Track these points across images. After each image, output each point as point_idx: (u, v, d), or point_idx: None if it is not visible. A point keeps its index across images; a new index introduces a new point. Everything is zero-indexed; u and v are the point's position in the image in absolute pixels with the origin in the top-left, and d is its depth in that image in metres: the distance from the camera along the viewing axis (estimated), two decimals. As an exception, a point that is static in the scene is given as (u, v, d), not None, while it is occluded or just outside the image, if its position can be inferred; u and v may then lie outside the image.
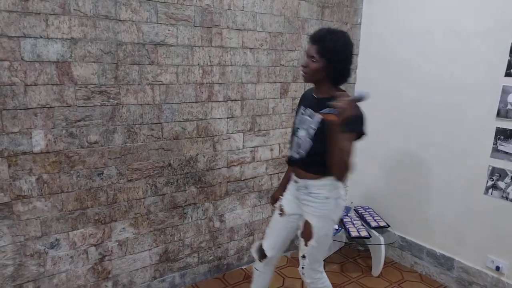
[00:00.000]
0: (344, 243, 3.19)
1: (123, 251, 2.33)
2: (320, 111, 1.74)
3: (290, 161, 1.96)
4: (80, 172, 2.10)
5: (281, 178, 2.29)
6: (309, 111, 1.83)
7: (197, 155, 2.50)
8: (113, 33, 2.07)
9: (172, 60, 2.28)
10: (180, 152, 2.42)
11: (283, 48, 2.75)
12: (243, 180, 2.76)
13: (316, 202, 1.82)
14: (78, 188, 2.11)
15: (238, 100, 2.62)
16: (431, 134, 2.75)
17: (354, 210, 3.20)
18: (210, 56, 2.44)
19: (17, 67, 1.84)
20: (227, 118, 2.59)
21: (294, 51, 2.81)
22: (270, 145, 2.85)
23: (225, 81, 2.53)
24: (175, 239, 2.52)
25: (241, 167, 2.73)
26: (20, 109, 1.88)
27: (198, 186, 2.54)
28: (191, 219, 2.56)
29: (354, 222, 2.94)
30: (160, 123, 2.31)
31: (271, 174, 2.91)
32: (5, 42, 1.80)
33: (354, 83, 3.22)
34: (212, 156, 2.57)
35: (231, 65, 2.54)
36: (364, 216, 3.05)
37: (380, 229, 2.91)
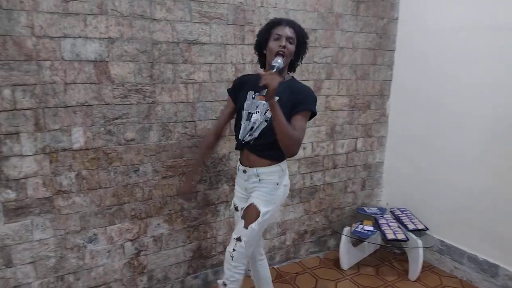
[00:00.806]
0: (379, 246, 3.10)
1: (158, 246, 2.37)
2: (255, 94, 1.78)
3: (240, 146, 1.89)
4: (118, 168, 2.15)
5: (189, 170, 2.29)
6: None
7: (229, 153, 2.50)
8: (148, 32, 2.11)
9: (205, 59, 2.30)
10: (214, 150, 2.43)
11: (316, 44, 2.70)
12: (275, 178, 2.74)
13: (266, 188, 1.84)
14: (115, 184, 2.16)
15: (271, 98, 2.59)
16: (473, 134, 2.60)
17: (390, 211, 3.10)
18: (242, 54, 2.43)
19: (57, 66, 1.92)
20: (260, 116, 2.57)
21: (328, 48, 2.75)
22: (303, 144, 2.81)
23: (258, 79, 2.52)
24: (208, 236, 2.54)
25: (273, 165, 2.71)
26: (61, 107, 1.96)
27: (230, 184, 2.54)
28: (224, 216, 2.57)
29: (390, 224, 2.85)
30: (193, 121, 2.33)
31: (303, 173, 2.86)
32: (47, 43, 1.87)
33: (390, 80, 3.12)
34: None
35: (263, 63, 2.52)
36: (401, 218, 2.94)
37: (418, 231, 2.80)
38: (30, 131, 1.90)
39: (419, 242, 2.69)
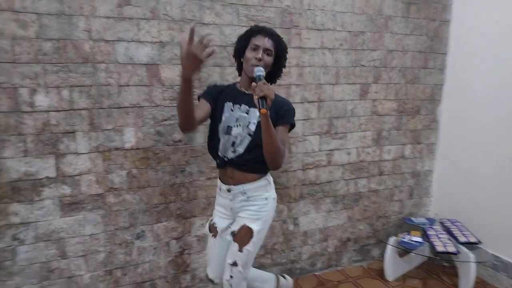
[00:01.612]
0: (427, 258, 2.95)
1: (201, 246, 2.40)
2: (260, 108, 1.45)
3: (222, 163, 1.73)
4: (165, 168, 2.21)
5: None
6: (244, 107, 1.71)
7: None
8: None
9: (252, 62, 2.31)
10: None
11: (364, 47, 2.64)
12: (318, 184, 2.70)
13: (256, 205, 1.73)
14: (162, 183, 2.22)
15: (315, 101, 2.57)
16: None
17: (440, 222, 2.94)
18: (288, 57, 2.40)
19: (112, 69, 2.01)
20: (303, 120, 2.55)
21: (376, 51, 2.68)
22: (347, 148, 2.75)
23: (303, 82, 2.50)
24: (263, 244, 2.53)
25: (316, 170, 2.67)
26: (114, 108, 2.05)
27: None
28: (266, 220, 2.56)
29: (439, 236, 2.71)
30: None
31: (347, 179, 2.80)
32: (102, 46, 1.97)
33: (442, 84, 2.98)
34: (287, 158, 2.55)
35: (309, 66, 2.50)
36: (451, 230, 2.79)
37: (470, 245, 2.63)
38: (85, 130, 2.01)
39: (471, 256, 2.53)
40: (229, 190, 1.74)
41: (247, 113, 1.69)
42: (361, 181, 2.85)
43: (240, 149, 1.68)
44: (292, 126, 1.75)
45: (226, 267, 1.74)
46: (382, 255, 2.83)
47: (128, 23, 2.01)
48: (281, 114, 1.68)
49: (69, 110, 1.97)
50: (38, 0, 1.82)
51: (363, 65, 2.67)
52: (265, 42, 1.65)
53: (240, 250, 1.70)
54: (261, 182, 1.75)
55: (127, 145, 2.11)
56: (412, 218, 3.00)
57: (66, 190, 2.02)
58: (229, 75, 2.27)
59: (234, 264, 1.71)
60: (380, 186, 2.93)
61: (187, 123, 1.57)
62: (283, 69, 1.82)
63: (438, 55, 2.92)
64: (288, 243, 2.68)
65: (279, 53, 1.71)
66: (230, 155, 1.69)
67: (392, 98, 2.82)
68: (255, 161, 1.68)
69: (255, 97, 1.45)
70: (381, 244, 2.96)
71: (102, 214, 2.11)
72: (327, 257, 2.85)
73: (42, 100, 1.90)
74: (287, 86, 2.45)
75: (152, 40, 2.07)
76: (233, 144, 1.69)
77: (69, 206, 2.03)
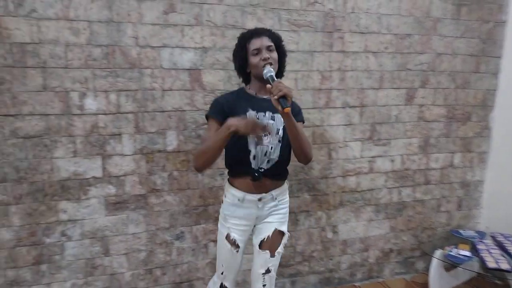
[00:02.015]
0: (477, 274, 2.76)
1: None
2: (283, 107, 1.42)
3: (260, 176, 1.63)
4: (205, 171, 2.24)
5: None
6: (268, 114, 1.66)
7: (311, 162, 2.45)
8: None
9: (292, 66, 2.30)
10: (295, 158, 2.40)
11: (411, 50, 2.54)
12: (359, 191, 2.62)
13: (284, 208, 1.76)
14: (202, 186, 2.25)
15: (357, 106, 2.50)
16: None
17: (491, 236, 2.75)
18: (330, 62, 2.38)
19: (157, 74, 2.07)
20: (345, 125, 2.49)
21: (423, 54, 2.57)
22: (391, 155, 2.65)
23: (345, 86, 2.44)
24: (287, 244, 2.50)
25: (357, 177, 2.59)
26: (158, 112, 2.11)
27: (311, 194, 2.49)
28: (304, 226, 2.52)
29: (491, 251, 2.53)
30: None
31: (390, 188, 2.69)
32: (148, 52, 2.04)
33: (495, 89, 2.79)
34: (327, 164, 2.50)
35: (351, 70, 2.44)
36: (504, 245, 2.59)
37: (526, 262, 2.44)
38: (131, 133, 2.08)
39: (528, 275, 2.34)
40: (260, 199, 1.68)
41: (273, 119, 1.66)
42: (406, 190, 2.73)
43: (275, 157, 1.66)
44: (303, 123, 1.79)
45: (256, 278, 1.72)
46: (426, 269, 2.69)
47: (173, 29, 2.07)
48: (295, 113, 1.65)
49: (116, 113, 2.05)
50: (89, 8, 1.92)
51: (410, 69, 2.56)
52: (263, 41, 1.61)
53: (272, 255, 1.70)
54: (285, 186, 1.78)
55: (169, 148, 2.16)
56: (460, 231, 2.83)
57: (111, 190, 2.10)
58: (270, 80, 2.26)
59: (267, 271, 1.70)
60: (426, 196, 2.79)
61: (209, 167, 1.68)
62: (285, 59, 1.75)
63: (491, 58, 2.74)
64: (327, 251, 2.62)
65: (278, 44, 1.68)
66: (266, 165, 1.65)
67: (440, 103, 2.68)
68: (285, 166, 1.72)
69: (274, 98, 1.42)
70: (426, 256, 2.81)
71: (144, 214, 2.17)
72: (367, 268, 2.75)
73: (91, 103, 2.00)
74: (328, 91, 2.41)
75: (195, 46, 2.11)
76: (266, 153, 1.64)
77: (114, 205, 2.11)
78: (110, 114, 2.04)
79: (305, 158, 1.66)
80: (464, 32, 2.64)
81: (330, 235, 2.61)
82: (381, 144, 2.61)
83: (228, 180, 1.75)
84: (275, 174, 1.69)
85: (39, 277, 2.03)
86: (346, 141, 2.52)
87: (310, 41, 2.32)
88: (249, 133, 1.51)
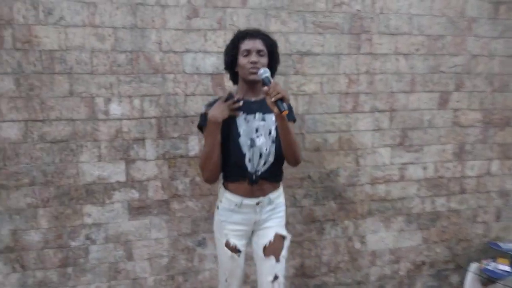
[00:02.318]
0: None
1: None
2: (282, 110, 1.41)
3: (257, 179, 1.60)
4: (226, 177, 2.21)
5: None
6: (259, 115, 1.61)
7: (338, 168, 2.37)
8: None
9: (317, 70, 2.23)
10: (321, 165, 2.34)
11: (444, 52, 2.40)
12: (388, 200, 2.50)
13: (281, 211, 1.71)
14: (223, 192, 2.22)
15: (387, 111, 2.39)
16: None
17: (535, 250, 2.55)
18: (357, 64, 2.30)
19: (179, 79, 2.07)
20: (373, 130, 2.39)
21: (457, 56, 2.43)
22: (424, 162, 2.51)
23: (373, 90, 2.35)
24: (312, 254, 2.43)
25: (387, 185, 2.48)
26: (180, 117, 2.10)
27: (338, 202, 2.41)
28: (330, 235, 2.43)
29: (535, 266, 2.33)
30: (302, 133, 2.27)
31: (423, 197, 2.55)
32: (171, 57, 2.04)
33: (540, 93, 2.60)
34: (354, 171, 2.40)
35: (380, 73, 2.34)
36: (551, 260, 2.39)
37: None
38: (154, 138, 2.09)
39: None
40: (258, 203, 1.63)
41: (263, 120, 1.61)
42: (439, 199, 2.59)
43: (271, 159, 1.61)
44: (294, 121, 1.73)
45: (265, 286, 1.65)
46: (461, 283, 2.53)
47: (196, 34, 2.06)
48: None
49: (139, 119, 2.06)
50: (114, 15, 1.95)
51: (443, 72, 2.43)
52: (255, 44, 1.56)
53: (278, 260, 1.65)
54: (281, 188, 1.73)
55: (191, 153, 2.15)
56: (499, 243, 2.64)
57: (135, 194, 2.11)
58: (293, 83, 2.21)
59: (275, 278, 1.64)
60: (461, 205, 2.62)
61: (216, 173, 1.60)
62: (277, 65, 1.70)
63: (534, 59, 2.56)
64: (354, 262, 2.51)
65: (271, 49, 1.62)
66: (262, 168, 1.60)
67: (476, 107, 2.52)
68: (280, 168, 1.68)
69: (271, 100, 1.41)
70: (461, 270, 2.64)
71: (166, 219, 2.17)
72: (398, 280, 2.61)
73: (115, 108, 2.02)
74: (355, 94, 2.32)
75: (217, 50, 2.09)
76: (261, 155, 1.59)
77: (137, 210, 2.12)
78: (133, 119, 2.05)
79: (295, 161, 1.63)
80: (503, 32, 2.48)
81: (358, 245, 2.50)
82: (413, 151, 2.49)
83: (223, 185, 1.69)
84: (272, 176, 1.64)
85: (65, 279, 2.07)
86: (374, 147, 2.42)
87: (336, 44, 2.25)
88: (228, 113, 1.55)
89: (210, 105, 1.62)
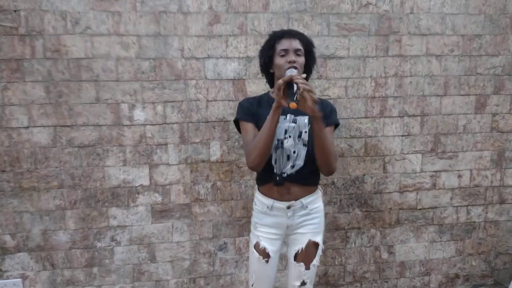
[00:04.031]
0: None
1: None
2: (290, 103, 1.32)
3: (282, 181, 1.56)
4: (248, 182, 2.20)
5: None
6: (289, 116, 1.57)
7: (364, 175, 2.28)
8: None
9: (342, 73, 2.17)
10: (345, 171, 2.26)
11: (481, 53, 2.25)
12: (419, 209, 2.37)
13: (317, 217, 1.64)
14: (245, 197, 2.22)
15: (417, 115, 2.27)
16: None
17: None
18: (385, 67, 2.20)
19: (201, 85, 2.08)
20: (402, 136, 2.28)
21: (497, 56, 2.26)
22: (458, 170, 2.36)
23: (402, 94, 2.24)
24: (336, 263, 2.36)
25: (417, 193, 2.36)
26: (202, 122, 2.12)
27: (363, 210, 2.32)
28: (354, 244, 2.35)
29: None
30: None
31: (457, 206, 2.40)
32: (193, 63, 2.06)
33: None
34: (382, 178, 2.30)
35: (410, 76, 2.23)
36: None
37: None
38: (176, 143, 2.12)
39: None
40: (289, 207, 1.60)
41: (294, 122, 1.57)
42: (476, 209, 2.42)
43: (300, 162, 1.56)
44: (336, 126, 1.67)
45: None
46: (501, 301, 2.35)
47: (217, 40, 2.07)
48: (326, 115, 1.55)
49: (162, 124, 2.10)
50: (138, 23, 2.00)
51: (480, 73, 2.27)
52: (292, 44, 1.53)
53: (307, 267, 1.62)
54: (318, 192, 1.68)
55: (213, 158, 2.16)
56: (546, 260, 2.43)
57: (158, 198, 2.15)
58: (317, 88, 2.16)
59: (303, 284, 1.63)
60: (501, 216, 2.44)
61: (265, 159, 1.51)
62: (314, 65, 1.67)
63: None
64: (381, 273, 2.41)
65: (309, 49, 1.59)
66: (289, 170, 1.57)
67: (519, 112, 2.34)
68: (312, 172, 1.59)
69: (280, 84, 1.33)
70: (500, 286, 2.46)
71: (188, 223, 2.19)
72: (429, 293, 2.48)
73: (139, 114, 2.07)
74: (383, 98, 2.23)
75: (239, 56, 2.09)
76: (289, 158, 1.56)
77: (160, 213, 2.17)
78: (157, 124, 2.09)
79: (327, 169, 1.55)
80: (551, 28, 2.27)
81: (385, 255, 2.40)
82: (446, 157, 2.35)
83: (258, 188, 1.69)
84: (302, 179, 1.58)
85: (91, 278, 2.15)
86: (403, 154, 2.31)
87: (362, 46, 2.17)
88: (283, 94, 1.37)
89: (246, 100, 1.65)
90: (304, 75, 1.41)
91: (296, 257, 1.65)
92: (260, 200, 1.64)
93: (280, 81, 1.34)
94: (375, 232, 2.36)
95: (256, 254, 1.64)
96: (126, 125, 2.07)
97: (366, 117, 2.23)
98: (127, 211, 2.14)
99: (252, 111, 1.60)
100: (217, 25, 2.05)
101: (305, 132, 1.56)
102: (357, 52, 2.17)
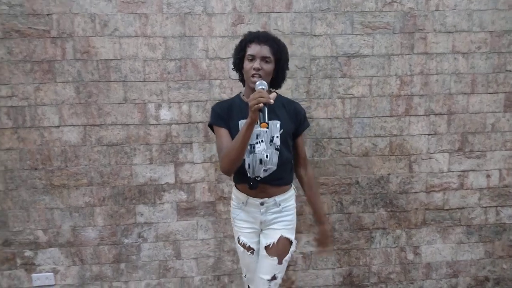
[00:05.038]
0: None
1: (306, 264, 2.32)
2: (261, 121, 1.32)
3: (256, 185, 1.59)
4: (271, 181, 2.21)
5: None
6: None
7: (389, 174, 2.26)
8: (307, 49, 2.12)
9: (366, 72, 2.15)
10: (370, 170, 2.24)
11: (511, 49, 2.19)
12: (446, 209, 2.33)
13: (290, 215, 1.67)
14: (268, 196, 2.23)
15: (444, 114, 2.23)
16: None
17: None
18: (410, 65, 2.18)
19: (225, 84, 2.11)
20: (429, 135, 2.24)
21: (527, 52, 2.20)
22: (487, 170, 2.31)
23: (428, 92, 2.21)
24: (360, 263, 2.34)
25: (444, 194, 2.31)
26: (226, 121, 2.14)
27: (388, 210, 2.29)
28: (379, 244, 2.33)
29: None
30: (349, 138, 2.20)
31: (486, 207, 2.34)
32: (217, 63, 2.09)
33: None
34: (407, 178, 2.27)
35: (436, 74, 2.19)
36: None
37: None
38: (201, 142, 2.15)
39: None
40: (262, 204, 1.63)
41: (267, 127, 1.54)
42: (506, 210, 2.35)
43: (272, 166, 1.58)
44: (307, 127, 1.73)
45: (262, 283, 1.63)
46: (533, 305, 2.27)
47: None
48: (299, 120, 1.65)
49: (187, 123, 2.14)
50: (165, 25, 2.05)
51: (510, 71, 2.21)
52: (261, 50, 1.51)
53: (280, 262, 1.63)
54: (291, 191, 1.71)
55: (237, 157, 2.17)
56: None
57: (183, 196, 2.19)
58: (340, 87, 2.15)
59: (273, 278, 1.63)
60: (532, 218, 2.37)
61: (236, 167, 1.51)
62: (285, 73, 1.64)
63: None
64: (407, 274, 2.37)
65: (279, 56, 1.55)
66: (263, 174, 1.58)
67: (551, 109, 2.26)
68: (285, 173, 1.63)
69: (251, 109, 1.33)
70: (533, 291, 2.38)
71: (213, 221, 2.22)
72: (456, 296, 2.43)
73: (165, 114, 2.12)
74: (408, 97, 2.20)
75: (262, 55, 2.10)
76: (261, 162, 1.57)
77: (185, 211, 2.20)
78: (182, 124, 2.13)
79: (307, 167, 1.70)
80: None
81: (411, 256, 2.36)
82: (474, 157, 2.29)
83: (234, 184, 1.73)
84: (275, 181, 1.61)
85: (118, 274, 2.21)
86: (430, 153, 2.27)
87: (386, 44, 2.15)
88: (255, 106, 1.33)
89: (218, 105, 1.64)
90: (274, 95, 1.38)
91: (267, 251, 1.64)
92: (236, 196, 1.70)
93: (256, 106, 1.31)
94: (401, 233, 2.32)
95: (241, 248, 1.70)
96: (153, 124, 2.12)
97: (391, 116, 2.21)
98: (154, 208, 2.18)
99: (223, 116, 1.59)
100: (240, 25, 2.08)
101: (277, 137, 1.56)
102: (382, 50, 2.15)
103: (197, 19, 2.06)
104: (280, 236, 1.64)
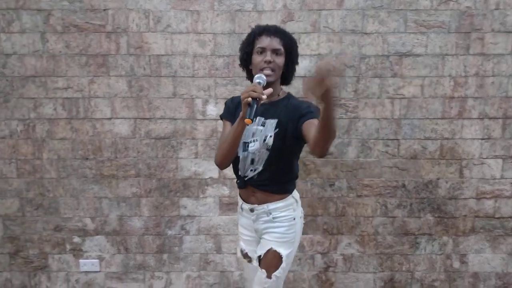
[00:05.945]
0: None
1: (347, 266, 2.28)
2: (248, 117, 1.24)
3: (242, 184, 1.53)
4: (314, 180, 2.19)
5: None
6: (259, 119, 1.48)
7: (438, 179, 2.18)
8: (357, 47, 2.08)
9: (418, 72, 2.09)
10: (417, 174, 2.17)
11: None
12: (497, 218, 2.22)
13: (282, 227, 1.52)
14: (311, 195, 2.21)
15: (499, 118, 2.13)
16: None
17: None
18: (465, 66, 2.09)
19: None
20: (482, 139, 2.14)
21: None
22: (544, 177, 2.18)
23: (483, 94, 2.11)
24: (403, 269, 2.27)
25: (495, 201, 2.20)
26: (271, 118, 2.14)
27: (436, 215, 2.21)
28: (424, 251, 2.25)
29: None
30: (397, 139, 2.14)
31: (542, 217, 2.21)
32: (266, 60, 2.09)
33: None
34: (457, 183, 2.18)
35: (492, 76, 2.09)
36: None
37: None
38: (245, 138, 2.16)
39: None
40: (252, 210, 1.55)
41: (263, 125, 1.48)
42: None
43: (259, 167, 1.49)
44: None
45: None
46: None
47: (290, 37, 2.08)
48: (301, 114, 1.42)
49: (233, 119, 2.15)
50: (215, 22, 2.07)
51: None
52: (271, 42, 1.44)
53: (269, 276, 1.51)
54: (288, 200, 1.54)
55: (281, 155, 2.17)
56: None
57: (225, 191, 2.21)
58: (390, 86, 2.10)
59: None
60: None
61: (228, 161, 1.50)
62: (296, 65, 1.57)
63: None
64: (452, 282, 2.29)
65: (289, 49, 1.49)
66: (249, 173, 1.51)
67: None
68: (276, 178, 1.50)
69: (243, 102, 1.28)
70: None
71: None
72: (505, 309, 2.31)
73: (212, 109, 2.14)
74: (462, 99, 2.11)
75: (310, 53, 2.09)
76: (252, 161, 1.49)
77: (227, 206, 2.22)
78: (228, 119, 2.15)
79: (320, 151, 1.31)
80: None
81: (457, 264, 2.27)
82: (531, 164, 2.17)
83: None
84: (263, 185, 1.51)
85: (160, 264, 2.26)
86: (482, 158, 2.17)
87: (441, 44, 2.07)
88: (244, 99, 1.29)
89: (230, 99, 1.63)
90: (270, 90, 1.34)
91: (259, 262, 1.57)
92: (238, 200, 1.64)
93: (247, 100, 1.27)
94: (448, 240, 2.24)
95: (239, 254, 1.67)
96: (199, 120, 2.15)
97: (443, 118, 2.13)
98: (197, 202, 2.22)
99: (231, 110, 1.57)
100: (290, 22, 2.07)
101: (270, 136, 1.45)
102: (436, 49, 2.08)
103: (247, 16, 2.07)
104: (270, 249, 1.52)
